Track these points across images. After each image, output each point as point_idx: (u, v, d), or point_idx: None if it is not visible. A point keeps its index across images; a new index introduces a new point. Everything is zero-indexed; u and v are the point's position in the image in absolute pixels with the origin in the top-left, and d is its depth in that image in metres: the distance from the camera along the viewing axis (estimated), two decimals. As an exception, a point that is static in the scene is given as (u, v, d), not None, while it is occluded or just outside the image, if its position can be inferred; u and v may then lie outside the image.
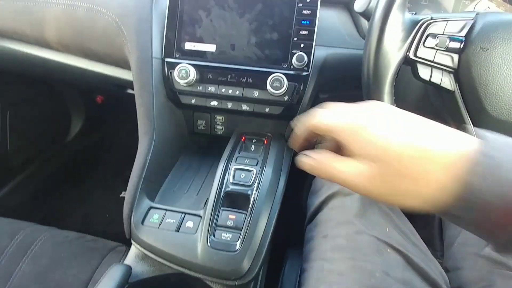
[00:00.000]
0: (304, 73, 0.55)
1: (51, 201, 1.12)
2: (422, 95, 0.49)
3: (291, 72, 0.55)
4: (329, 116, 0.29)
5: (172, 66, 0.56)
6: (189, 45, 0.57)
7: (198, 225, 0.48)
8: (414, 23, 0.37)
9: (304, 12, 0.54)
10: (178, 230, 0.47)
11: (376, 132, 0.26)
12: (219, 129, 0.66)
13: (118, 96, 1.00)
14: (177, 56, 0.57)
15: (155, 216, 0.49)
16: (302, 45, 0.55)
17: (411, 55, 0.37)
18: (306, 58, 0.54)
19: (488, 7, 0.65)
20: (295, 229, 0.64)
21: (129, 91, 0.77)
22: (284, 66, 0.55)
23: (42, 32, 0.64)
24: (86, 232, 0.66)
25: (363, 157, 0.26)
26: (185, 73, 0.55)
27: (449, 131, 0.25)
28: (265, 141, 0.61)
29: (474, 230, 0.25)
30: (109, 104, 1.20)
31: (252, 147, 0.60)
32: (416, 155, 0.24)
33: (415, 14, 0.39)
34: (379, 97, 0.39)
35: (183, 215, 0.49)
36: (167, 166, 0.60)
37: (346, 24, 0.57)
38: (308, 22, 0.54)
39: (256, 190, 0.50)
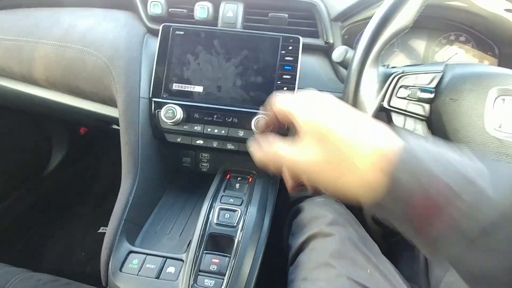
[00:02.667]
0: (288, 115, 0.57)
1: (28, 236, 1.06)
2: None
3: (275, 113, 0.57)
4: (292, 100, 0.33)
5: (160, 106, 0.58)
6: (176, 86, 0.59)
7: (180, 271, 0.46)
8: (387, 76, 0.40)
9: (287, 58, 0.57)
10: (158, 276, 0.46)
11: (325, 120, 0.29)
12: (205, 166, 0.66)
13: (102, 129, 1.00)
14: (164, 96, 0.59)
15: (134, 261, 0.47)
16: (285, 88, 0.57)
17: (385, 105, 0.40)
18: (289, 100, 0.56)
19: (457, 53, 0.71)
20: (280, 270, 0.63)
21: (114, 126, 0.77)
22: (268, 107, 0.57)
23: (30, 69, 0.64)
24: (64, 271, 0.63)
25: (310, 142, 0.29)
26: (172, 113, 0.56)
27: (380, 130, 0.28)
28: (250, 179, 0.61)
29: (404, 225, 0.27)
30: (92, 136, 1.19)
31: (237, 185, 0.60)
32: (353, 144, 0.27)
33: (388, 66, 0.42)
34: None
35: (164, 259, 0.48)
36: (150, 205, 0.59)
37: (326, 69, 0.61)
38: (290, 68, 0.57)
39: (241, 231, 0.50)
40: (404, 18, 0.38)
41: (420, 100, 0.40)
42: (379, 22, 0.39)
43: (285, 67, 0.57)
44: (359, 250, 0.53)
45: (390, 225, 0.31)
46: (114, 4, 0.65)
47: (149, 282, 0.45)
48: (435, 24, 0.69)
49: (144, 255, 0.48)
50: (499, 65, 0.70)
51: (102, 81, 0.59)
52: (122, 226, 0.50)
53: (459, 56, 0.69)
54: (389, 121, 0.41)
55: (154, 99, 0.58)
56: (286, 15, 0.61)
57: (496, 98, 0.38)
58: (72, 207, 1.19)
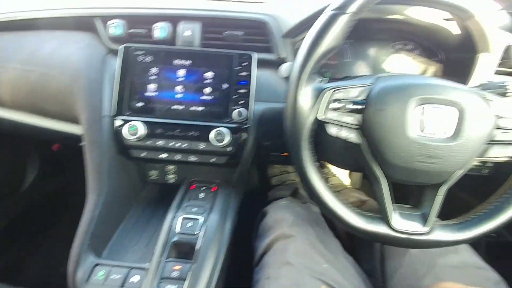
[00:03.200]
0: (244, 126, 0.61)
1: (6, 253, 1.05)
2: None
3: (233, 125, 0.61)
4: None
5: (122, 123, 0.60)
6: (138, 104, 0.62)
7: (143, 279, 0.49)
8: (321, 91, 0.44)
9: (241, 74, 0.61)
10: (122, 285, 0.48)
11: None
12: (171, 177, 0.69)
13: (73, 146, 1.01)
14: (127, 114, 0.62)
15: (100, 273, 0.50)
16: (241, 102, 0.61)
17: (320, 117, 0.44)
18: (245, 113, 0.60)
19: (404, 61, 0.77)
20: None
21: (83, 143, 0.79)
22: (226, 120, 0.61)
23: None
24: (43, 286, 0.64)
25: None
26: (134, 129, 0.59)
27: None
28: (213, 189, 0.65)
29: None
30: (65, 152, 1.20)
31: (201, 195, 0.64)
32: None
33: (322, 82, 0.47)
34: (297, 152, 0.45)
35: (129, 269, 0.50)
36: (117, 218, 0.61)
37: (280, 82, 0.65)
38: (245, 82, 0.61)
39: (202, 237, 0.53)
40: (332, 39, 0.43)
41: (352, 111, 0.44)
42: (310, 44, 0.43)
43: (240, 82, 0.61)
44: (316, 248, 0.57)
45: None
46: (76, 26, 0.67)
47: None
48: (382, 35, 0.75)
49: (110, 267, 0.51)
50: (445, 69, 0.76)
51: (65, 101, 0.62)
52: (88, 240, 0.52)
53: (406, 64, 0.75)
54: (326, 132, 0.46)
55: (117, 117, 0.61)
56: (241, 33, 0.65)
57: (416, 107, 0.43)
58: (50, 225, 1.19)
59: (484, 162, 0.71)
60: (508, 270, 0.56)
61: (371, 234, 0.47)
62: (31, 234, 1.13)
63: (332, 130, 0.45)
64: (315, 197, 0.46)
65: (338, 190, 1.13)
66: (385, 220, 0.47)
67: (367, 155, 0.46)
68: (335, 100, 0.45)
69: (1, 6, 0.69)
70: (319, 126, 0.47)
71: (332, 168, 1.17)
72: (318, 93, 0.44)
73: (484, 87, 0.56)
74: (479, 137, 0.43)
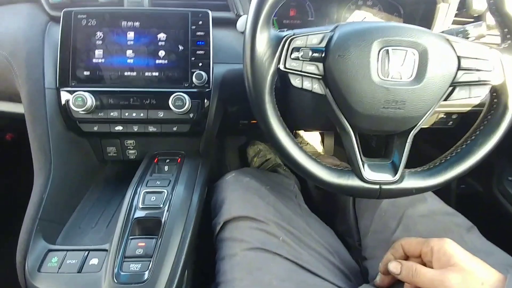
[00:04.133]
0: (206, 90, 0.57)
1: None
2: (311, 101, 0.54)
3: (193, 90, 0.56)
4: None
5: (68, 95, 0.54)
6: (85, 73, 0.55)
7: (104, 261, 0.45)
8: (279, 39, 0.41)
9: (198, 33, 0.56)
10: (80, 270, 0.44)
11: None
12: (132, 153, 0.64)
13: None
14: (73, 84, 0.55)
15: (53, 260, 0.45)
16: (200, 64, 0.57)
17: (282, 67, 0.41)
18: (205, 75, 0.56)
19: (365, 17, 0.75)
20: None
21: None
22: (185, 85, 0.57)
23: None
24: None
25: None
26: (81, 100, 0.53)
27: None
28: (179, 160, 0.61)
29: None
30: (20, 142, 1.09)
31: (166, 168, 0.59)
32: None
33: (280, 31, 0.43)
34: (260, 107, 0.42)
35: (86, 252, 0.46)
36: (72, 201, 0.56)
37: (240, 41, 0.61)
38: (203, 43, 0.57)
39: (167, 211, 0.50)
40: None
41: (313, 59, 0.41)
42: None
43: (198, 42, 0.57)
44: (277, 224, 0.55)
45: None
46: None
47: (70, 278, 0.43)
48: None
49: (65, 252, 0.46)
50: (405, 22, 0.75)
51: (6, 77, 0.54)
52: (37, 225, 0.47)
53: (367, 19, 0.73)
54: (288, 83, 0.43)
55: (61, 89, 0.55)
56: (194, -10, 0.60)
57: (380, 50, 0.41)
58: (5, 223, 1.09)
59: (449, 114, 0.72)
60: (479, 219, 0.58)
61: (343, 187, 0.45)
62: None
63: (295, 82, 0.42)
64: (282, 152, 0.44)
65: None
66: (356, 172, 0.46)
67: (334, 106, 0.43)
68: (294, 48, 0.42)
69: None
70: (283, 81, 0.44)
71: (305, 137, 1.16)
72: (277, 41, 0.41)
73: (446, 32, 0.55)
74: (443, 79, 0.42)
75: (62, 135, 0.55)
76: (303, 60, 0.41)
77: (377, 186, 0.45)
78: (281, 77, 0.43)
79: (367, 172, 0.45)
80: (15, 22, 0.58)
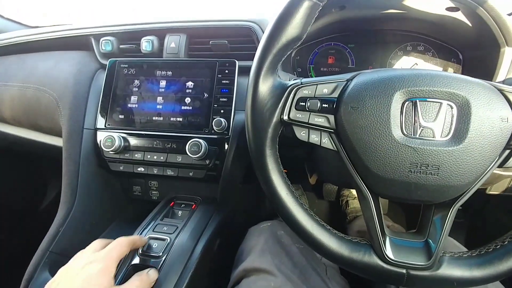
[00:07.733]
0: (225, 137, 0.56)
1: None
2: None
3: (212, 136, 0.56)
4: None
5: (102, 136, 0.59)
6: (120, 116, 0.60)
7: None
8: (284, 88, 0.38)
9: (224, 81, 0.57)
10: None
11: None
12: (154, 194, 0.65)
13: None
14: (108, 126, 0.60)
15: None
16: (222, 111, 0.56)
17: (285, 118, 0.37)
18: (224, 122, 0.55)
19: (416, 63, 0.67)
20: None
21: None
22: (205, 130, 0.57)
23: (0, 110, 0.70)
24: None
25: None
26: (110, 141, 0.57)
27: None
28: (193, 206, 0.59)
29: None
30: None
31: (179, 213, 0.58)
32: None
33: (290, 79, 0.40)
34: (259, 160, 0.38)
35: None
36: (89, 235, 0.58)
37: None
38: (227, 91, 0.57)
39: (164, 261, 0.47)
40: (293, 27, 0.37)
41: (322, 110, 0.37)
42: (269, 32, 0.37)
43: (222, 90, 0.57)
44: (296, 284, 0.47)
45: None
46: (74, 45, 0.70)
47: None
48: (385, 37, 0.67)
49: None
50: (463, 70, 0.64)
51: (53, 116, 0.62)
52: (46, 257, 0.49)
53: (419, 66, 0.65)
54: (293, 136, 0.38)
55: (98, 129, 0.60)
56: (226, 41, 0.62)
57: (405, 102, 0.34)
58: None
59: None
60: None
61: (356, 264, 0.37)
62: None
63: (300, 134, 0.38)
64: (281, 212, 0.38)
65: (358, 215, 0.99)
66: (375, 248, 0.37)
67: (348, 165, 0.37)
68: (300, 99, 0.38)
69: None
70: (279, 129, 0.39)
71: (354, 191, 1.04)
72: (281, 91, 0.38)
73: (507, 82, 0.45)
74: (493, 139, 0.32)
75: (93, 173, 0.59)
76: (311, 111, 0.37)
77: (403, 271, 0.35)
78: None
79: (390, 250, 0.36)
80: (69, 67, 0.66)
